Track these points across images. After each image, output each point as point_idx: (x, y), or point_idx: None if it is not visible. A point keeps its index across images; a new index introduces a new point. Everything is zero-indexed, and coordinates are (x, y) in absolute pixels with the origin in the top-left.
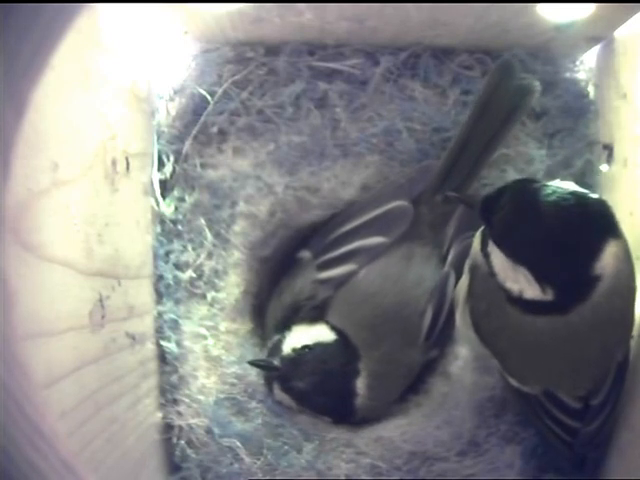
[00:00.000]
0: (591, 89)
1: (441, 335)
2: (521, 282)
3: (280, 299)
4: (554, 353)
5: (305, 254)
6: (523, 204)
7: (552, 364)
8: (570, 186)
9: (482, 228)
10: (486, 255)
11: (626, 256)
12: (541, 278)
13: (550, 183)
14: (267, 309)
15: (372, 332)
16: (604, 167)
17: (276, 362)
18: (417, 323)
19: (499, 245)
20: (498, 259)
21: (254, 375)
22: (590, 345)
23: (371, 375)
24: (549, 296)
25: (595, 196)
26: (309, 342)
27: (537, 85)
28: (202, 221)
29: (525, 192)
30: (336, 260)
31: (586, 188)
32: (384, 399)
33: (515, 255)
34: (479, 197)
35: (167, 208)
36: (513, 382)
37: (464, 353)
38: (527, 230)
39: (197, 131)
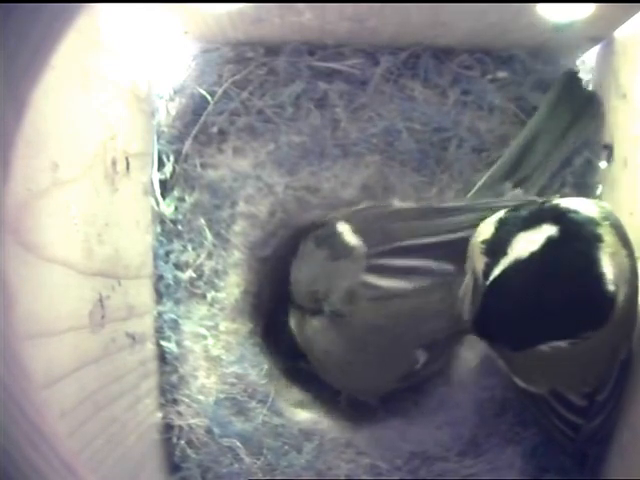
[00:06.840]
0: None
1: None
2: None
3: (305, 280)
4: (561, 358)
5: (355, 241)
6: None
7: (559, 367)
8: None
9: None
10: None
11: (630, 262)
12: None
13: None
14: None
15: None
16: (603, 163)
17: None
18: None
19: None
20: None
21: (254, 375)
22: (599, 348)
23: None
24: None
25: (584, 232)
26: None
27: (600, 98)
28: (202, 221)
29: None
30: (395, 270)
31: (586, 188)
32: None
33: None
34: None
35: (167, 208)
36: (520, 382)
37: (464, 353)
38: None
39: (197, 131)
